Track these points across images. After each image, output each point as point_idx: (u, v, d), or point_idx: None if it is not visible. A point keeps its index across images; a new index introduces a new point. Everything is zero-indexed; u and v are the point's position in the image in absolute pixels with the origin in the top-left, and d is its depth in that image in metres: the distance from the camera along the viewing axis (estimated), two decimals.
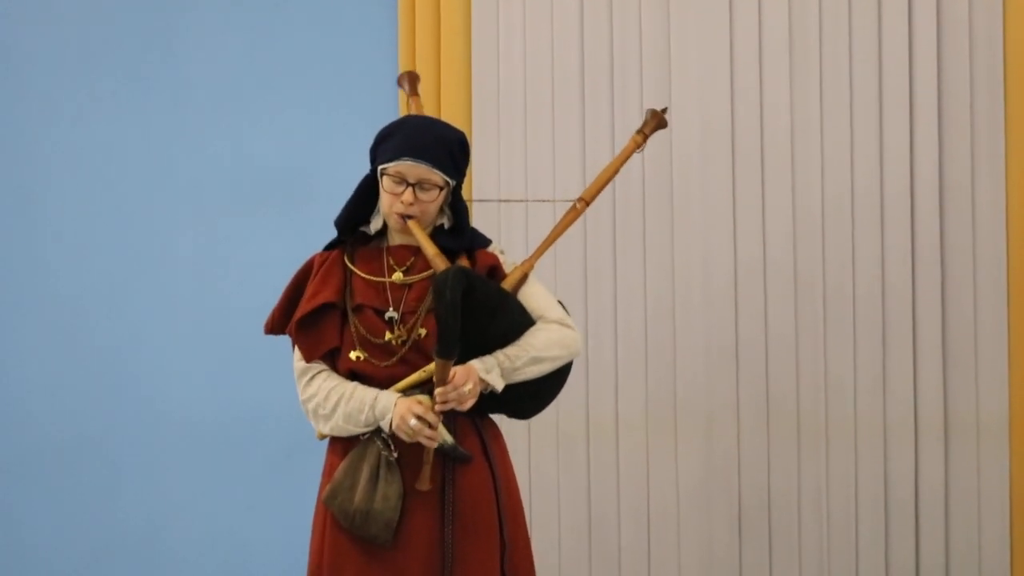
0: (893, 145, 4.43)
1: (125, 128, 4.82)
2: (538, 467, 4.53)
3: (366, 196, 3.21)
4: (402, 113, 4.49)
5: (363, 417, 3.10)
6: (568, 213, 3.33)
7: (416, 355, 3.12)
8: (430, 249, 3.12)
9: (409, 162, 3.10)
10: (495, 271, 3.20)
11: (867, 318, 4.43)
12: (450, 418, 3.11)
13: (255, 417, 4.75)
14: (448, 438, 3.10)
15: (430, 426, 3.04)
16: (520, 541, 3.23)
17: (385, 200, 3.15)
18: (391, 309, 3.15)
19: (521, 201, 4.35)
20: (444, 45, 4.53)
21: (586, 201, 3.35)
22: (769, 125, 4.47)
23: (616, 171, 3.39)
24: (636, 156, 3.48)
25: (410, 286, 3.17)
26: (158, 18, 4.81)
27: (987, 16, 4.40)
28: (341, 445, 3.18)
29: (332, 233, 3.29)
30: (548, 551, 4.49)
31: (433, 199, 3.14)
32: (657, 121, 3.46)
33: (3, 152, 4.86)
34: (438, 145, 3.12)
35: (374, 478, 3.09)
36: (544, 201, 4.12)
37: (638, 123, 4.40)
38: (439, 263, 3.10)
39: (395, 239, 3.23)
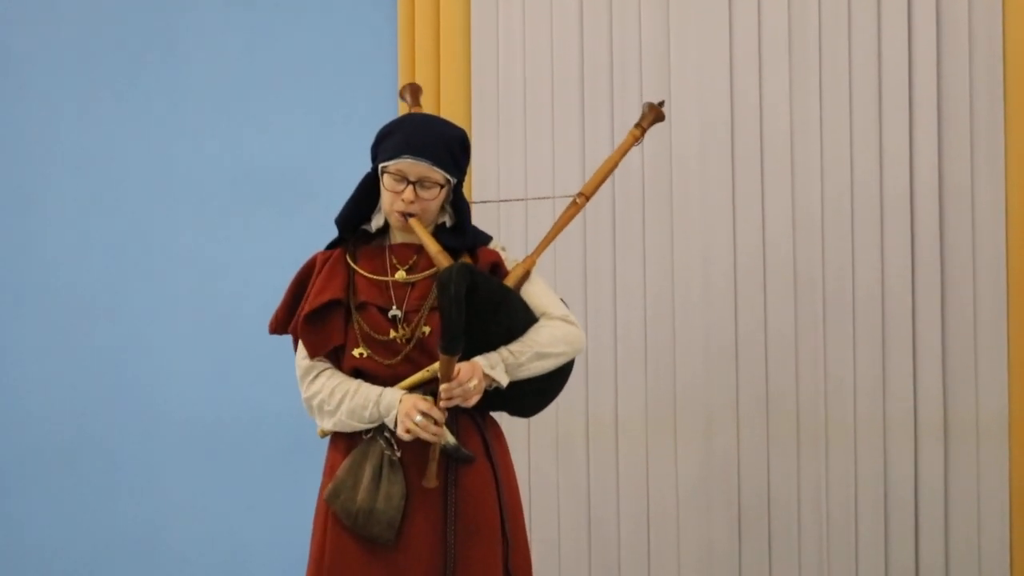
0: (893, 145, 4.43)
1: (125, 128, 4.82)
2: (537, 466, 4.53)
3: (367, 194, 3.22)
4: (401, 113, 4.50)
5: (367, 413, 3.10)
6: (568, 208, 3.33)
7: (420, 354, 3.13)
8: (432, 247, 3.13)
9: (410, 160, 3.10)
10: (497, 268, 3.20)
11: (867, 318, 4.43)
12: (452, 418, 3.12)
13: (255, 417, 4.75)
14: (451, 439, 3.11)
15: (435, 422, 3.04)
16: (520, 541, 3.23)
17: (386, 198, 3.16)
18: (394, 307, 3.15)
19: (520, 200, 4.35)
20: (443, 45, 4.53)
21: (586, 196, 3.36)
22: (769, 125, 4.47)
23: (615, 165, 3.39)
24: (636, 155, 3.49)
25: (413, 284, 3.17)
26: (158, 18, 4.81)
27: (987, 16, 4.40)
28: (343, 443, 3.19)
29: (332, 233, 3.29)
30: (548, 551, 4.49)
31: (434, 197, 3.15)
32: (655, 115, 3.46)
33: (3, 152, 4.86)
34: (439, 143, 3.12)
35: (377, 477, 3.09)
36: (543, 198, 4.12)
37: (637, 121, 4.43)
38: (441, 260, 3.10)
39: (397, 237, 3.23)
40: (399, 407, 3.07)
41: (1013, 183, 4.39)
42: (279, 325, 3.26)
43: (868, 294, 4.43)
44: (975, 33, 4.41)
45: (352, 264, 3.21)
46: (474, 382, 3.05)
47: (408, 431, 3.05)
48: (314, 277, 3.21)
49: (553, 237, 3.31)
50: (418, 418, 3.03)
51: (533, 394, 3.22)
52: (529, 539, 3.34)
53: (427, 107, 4.03)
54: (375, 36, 4.72)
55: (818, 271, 4.45)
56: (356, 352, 3.15)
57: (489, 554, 3.14)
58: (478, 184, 4.49)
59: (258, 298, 4.39)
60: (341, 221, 3.25)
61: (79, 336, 4.82)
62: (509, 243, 4.22)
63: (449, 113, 4.45)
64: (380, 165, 3.16)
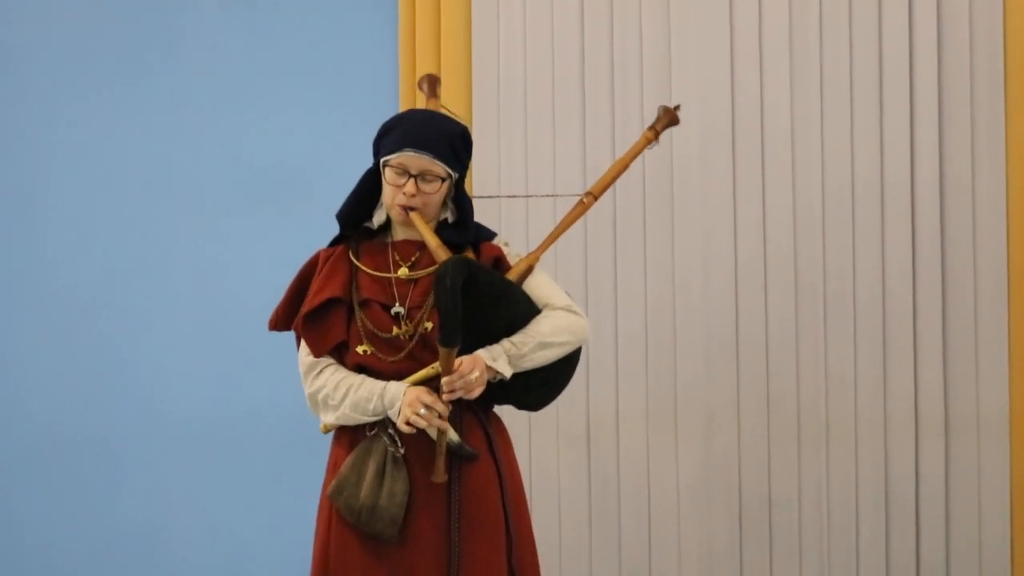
0: (893, 142, 4.44)
1: (125, 128, 4.82)
2: (539, 464, 4.53)
3: (368, 190, 3.23)
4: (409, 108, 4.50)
5: (371, 406, 3.11)
6: (575, 207, 3.34)
7: (423, 350, 3.13)
8: (432, 241, 3.13)
9: (411, 153, 3.11)
10: (499, 263, 3.21)
11: (867, 315, 4.44)
12: (456, 414, 3.12)
13: (255, 415, 4.75)
14: (454, 436, 3.11)
15: (439, 415, 3.04)
16: (525, 537, 3.23)
17: (388, 192, 3.16)
18: (397, 304, 3.15)
19: (523, 196, 4.36)
20: (444, 42, 4.54)
21: (594, 195, 3.36)
22: (769, 123, 4.48)
23: (626, 167, 3.39)
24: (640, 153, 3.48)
25: (416, 281, 3.18)
26: (158, 18, 4.81)
27: (987, 12, 4.41)
28: (347, 438, 3.19)
29: (332, 232, 3.29)
30: (549, 548, 4.48)
31: (435, 190, 3.15)
32: (669, 118, 3.46)
33: (3, 152, 4.86)
34: (440, 137, 3.13)
35: (380, 474, 3.09)
36: (546, 196, 4.13)
37: (639, 120, 4.44)
38: (441, 254, 3.10)
39: (399, 234, 3.24)
40: (403, 399, 3.07)
41: (1014, 179, 4.40)
42: (279, 322, 3.27)
43: (869, 292, 4.44)
44: (976, 28, 4.42)
45: (355, 261, 3.21)
46: (475, 374, 3.05)
47: (409, 422, 3.05)
48: (316, 274, 3.22)
49: (558, 235, 3.31)
50: (422, 411, 3.03)
51: (539, 386, 3.21)
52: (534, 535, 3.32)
53: (427, 107, 4.03)
54: (376, 35, 4.72)
55: (819, 269, 4.45)
56: (360, 349, 3.15)
57: (493, 550, 3.13)
58: (479, 182, 4.49)
59: (258, 297, 4.37)
60: (342, 216, 3.25)
61: (79, 335, 4.82)
62: (510, 240, 4.21)
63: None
64: (382, 159, 3.17)
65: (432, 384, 3.09)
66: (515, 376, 3.14)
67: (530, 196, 4.38)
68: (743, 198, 4.48)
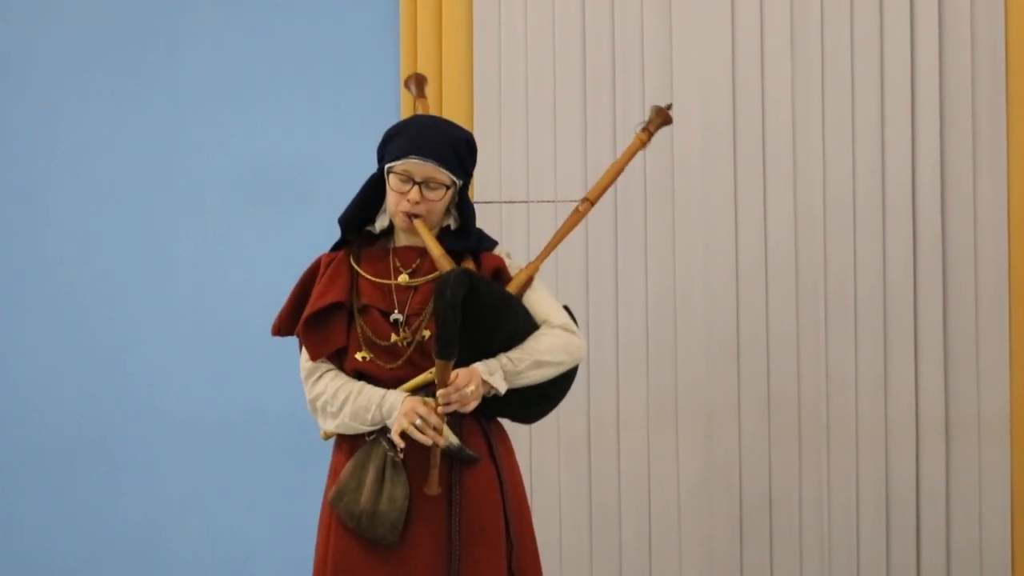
0: (894, 143, 4.44)
1: (125, 128, 4.82)
2: (539, 465, 4.53)
3: (371, 195, 3.22)
4: (404, 112, 4.50)
5: (370, 415, 3.11)
6: (573, 214, 3.33)
7: (421, 357, 3.13)
8: (435, 250, 3.12)
9: (416, 160, 3.10)
10: (500, 273, 3.20)
11: (868, 316, 4.44)
12: (456, 419, 3.11)
13: (256, 416, 4.74)
14: (454, 440, 3.10)
15: (434, 428, 3.04)
16: (526, 541, 3.23)
17: (391, 199, 3.16)
18: (396, 311, 3.15)
19: (523, 202, 4.35)
20: (446, 45, 4.53)
21: (591, 201, 3.35)
22: (770, 123, 4.47)
23: (621, 170, 3.39)
24: (638, 154, 3.47)
25: (416, 288, 3.17)
26: (158, 18, 4.80)
27: (989, 13, 4.40)
28: (348, 445, 3.18)
29: (334, 233, 3.28)
30: (550, 549, 4.48)
31: (439, 198, 3.15)
32: (662, 118, 3.45)
33: (3, 152, 4.85)
34: (445, 144, 3.12)
35: (380, 479, 3.09)
36: (546, 202, 4.12)
37: (640, 120, 4.42)
38: (444, 264, 3.10)
39: (401, 240, 3.23)
40: (399, 408, 3.07)
41: (1015, 181, 4.40)
42: (282, 327, 3.26)
43: (869, 293, 4.44)
44: (977, 30, 4.41)
45: (355, 266, 3.20)
46: (471, 387, 3.05)
47: (403, 433, 3.04)
48: (318, 279, 3.21)
49: (557, 243, 3.31)
50: (417, 420, 3.03)
51: (534, 402, 3.22)
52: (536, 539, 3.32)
53: (429, 108, 4.02)
54: (377, 35, 4.71)
55: (819, 270, 4.46)
56: (358, 355, 3.15)
57: (493, 555, 3.13)
58: (480, 184, 4.49)
59: (259, 298, 4.39)
60: (344, 221, 3.25)
61: (79, 335, 4.81)
62: (511, 245, 4.22)
63: (451, 114, 4.44)
64: (386, 165, 3.16)
65: (429, 390, 3.09)
66: (510, 392, 3.14)
67: (529, 202, 4.37)
68: (744, 199, 4.48)
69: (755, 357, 4.46)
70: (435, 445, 3.05)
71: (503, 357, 3.13)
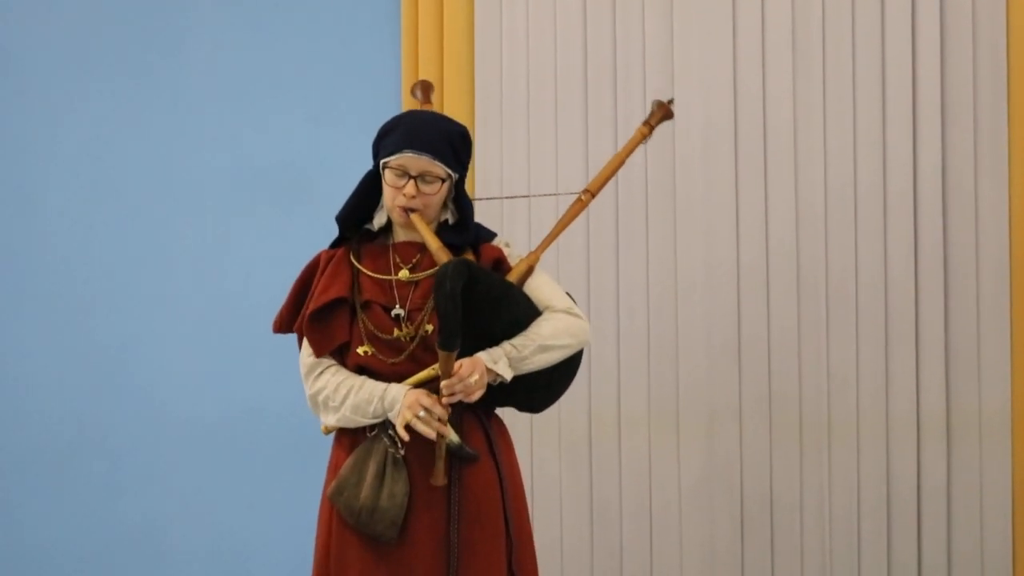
0: (896, 141, 4.43)
1: (126, 128, 4.82)
2: (540, 464, 4.53)
3: (368, 192, 3.22)
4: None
5: (372, 408, 3.10)
6: (573, 205, 3.33)
7: (424, 352, 3.12)
8: (433, 243, 3.12)
9: (411, 154, 3.11)
10: (500, 264, 3.20)
11: (870, 315, 4.43)
12: (456, 416, 3.11)
13: (256, 415, 4.74)
14: (454, 437, 3.10)
15: (438, 419, 3.03)
16: (525, 539, 3.22)
17: (388, 194, 3.16)
18: (398, 306, 3.15)
19: (524, 197, 4.35)
20: (447, 42, 4.53)
21: (592, 193, 3.35)
22: (772, 122, 4.47)
23: (622, 163, 3.39)
24: (639, 152, 3.48)
25: (416, 283, 3.17)
26: (159, 18, 4.81)
27: (990, 12, 4.40)
28: (347, 440, 3.18)
29: (334, 233, 3.29)
30: (550, 548, 4.48)
31: (435, 192, 3.15)
32: (663, 112, 3.45)
33: (3, 152, 4.86)
34: (439, 137, 3.13)
35: (380, 475, 3.09)
36: (547, 195, 4.12)
37: (641, 119, 4.42)
38: (442, 256, 3.09)
39: (400, 236, 3.23)
40: (402, 401, 3.06)
41: (1016, 179, 4.39)
42: (283, 324, 3.26)
43: (871, 292, 4.43)
44: (978, 29, 4.41)
45: (355, 263, 3.20)
46: (475, 377, 3.05)
47: (407, 426, 3.04)
48: (318, 275, 3.21)
49: (558, 233, 3.31)
50: (420, 412, 3.03)
51: (540, 388, 3.21)
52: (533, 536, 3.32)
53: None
54: (378, 35, 4.71)
55: (821, 269, 4.45)
56: (361, 350, 3.15)
57: (493, 552, 3.13)
58: (481, 182, 4.49)
59: (259, 296, 4.39)
60: (342, 219, 3.25)
61: (80, 334, 4.82)
62: (513, 240, 4.21)
63: (453, 111, 4.45)
64: (382, 161, 3.16)
65: (432, 386, 3.09)
66: (516, 379, 3.13)
67: (530, 196, 4.37)
68: (745, 197, 4.48)
69: (756, 357, 4.46)
70: (440, 436, 3.05)
71: (507, 344, 3.12)
